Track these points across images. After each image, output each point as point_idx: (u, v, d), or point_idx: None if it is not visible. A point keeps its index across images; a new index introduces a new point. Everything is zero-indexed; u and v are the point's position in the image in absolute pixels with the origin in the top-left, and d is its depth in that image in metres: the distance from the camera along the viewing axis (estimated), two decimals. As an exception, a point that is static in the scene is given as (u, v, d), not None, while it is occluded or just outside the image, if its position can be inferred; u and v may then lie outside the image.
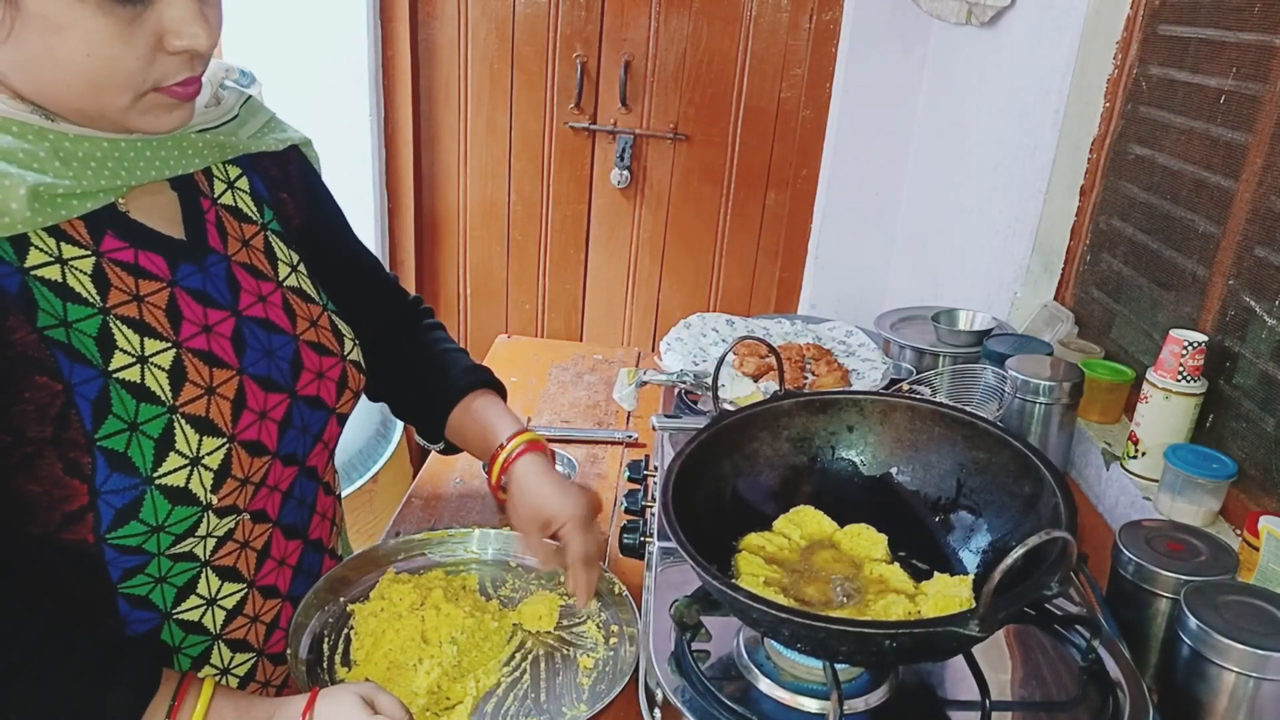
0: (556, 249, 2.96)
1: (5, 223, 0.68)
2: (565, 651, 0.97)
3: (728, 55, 2.71)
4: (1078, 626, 0.85)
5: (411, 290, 2.95)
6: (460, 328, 3.10)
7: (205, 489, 0.78)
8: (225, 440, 0.80)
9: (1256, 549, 0.98)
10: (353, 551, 1.09)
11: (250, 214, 0.92)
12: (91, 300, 0.74)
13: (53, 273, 0.72)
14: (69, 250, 0.74)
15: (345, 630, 0.96)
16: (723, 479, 0.93)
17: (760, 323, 1.67)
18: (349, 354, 0.96)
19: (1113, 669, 0.84)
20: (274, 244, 0.93)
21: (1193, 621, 0.84)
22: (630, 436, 1.53)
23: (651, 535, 1.04)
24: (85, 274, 0.74)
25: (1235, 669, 0.82)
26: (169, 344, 0.78)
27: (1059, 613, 0.88)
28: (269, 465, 0.86)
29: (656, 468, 1.20)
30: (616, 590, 1.03)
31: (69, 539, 0.73)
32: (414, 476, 1.55)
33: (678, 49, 2.71)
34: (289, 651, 0.90)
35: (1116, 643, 0.87)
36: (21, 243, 0.71)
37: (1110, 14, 1.58)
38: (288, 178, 0.97)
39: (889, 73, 2.57)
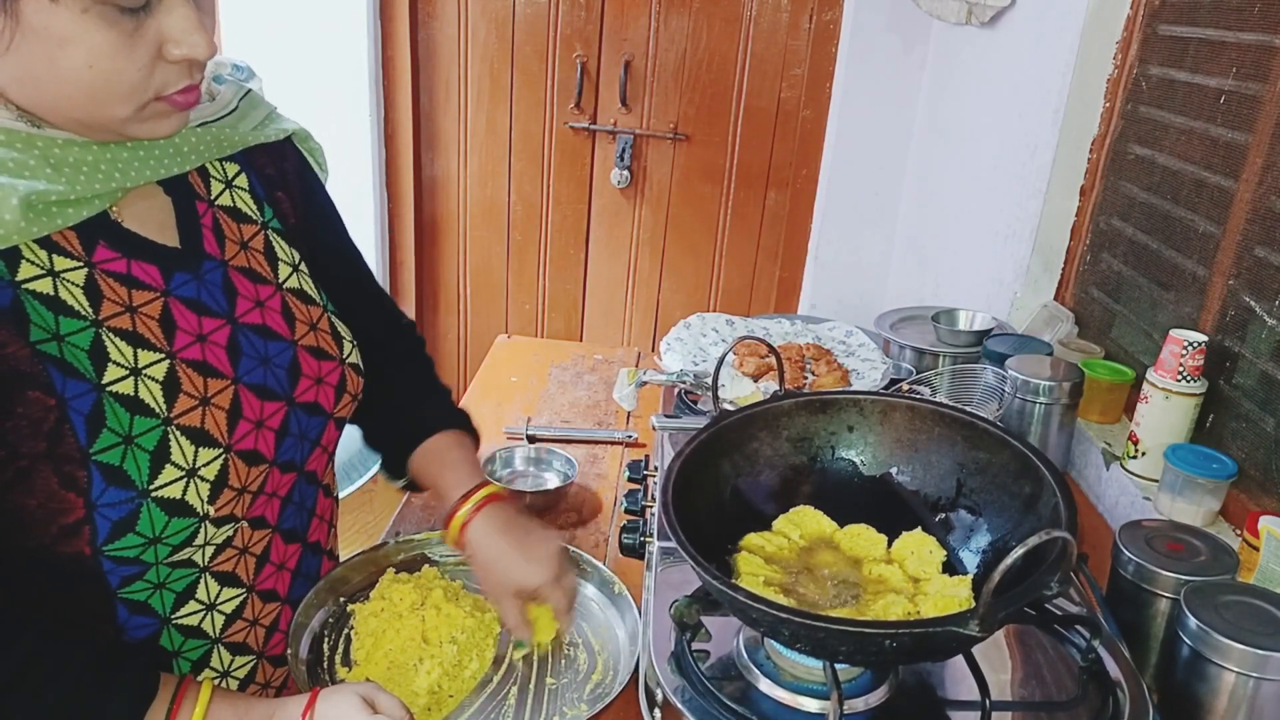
0: (556, 249, 2.96)
1: None
2: (565, 652, 0.97)
3: (728, 55, 2.71)
4: (1078, 626, 0.85)
5: (412, 290, 2.98)
6: (460, 328, 3.10)
7: (202, 500, 0.78)
8: (222, 451, 0.79)
9: (1256, 549, 0.98)
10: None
11: (250, 213, 0.90)
12: (84, 313, 0.73)
13: (44, 286, 0.71)
14: (60, 262, 0.73)
15: (345, 630, 0.96)
16: (723, 479, 0.93)
17: (760, 323, 1.67)
18: (348, 357, 0.94)
19: (1113, 669, 0.84)
20: (275, 243, 0.91)
21: (1193, 621, 0.84)
22: (630, 436, 1.53)
23: (651, 535, 1.04)
24: (77, 286, 0.73)
25: (1235, 669, 0.82)
26: (163, 355, 0.77)
27: (1059, 613, 0.88)
28: (266, 473, 0.85)
29: (656, 468, 1.20)
30: (616, 590, 1.03)
31: (65, 551, 0.73)
32: (414, 476, 1.55)
33: (678, 49, 2.71)
34: (289, 651, 0.90)
35: (1116, 643, 0.87)
36: (12, 256, 0.70)
37: (1110, 14, 1.58)
38: (284, 175, 0.95)
39: (889, 73, 2.57)
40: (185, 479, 0.76)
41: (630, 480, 1.20)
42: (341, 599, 1.00)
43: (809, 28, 2.66)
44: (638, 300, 3.01)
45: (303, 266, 0.94)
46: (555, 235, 2.95)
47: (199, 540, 0.79)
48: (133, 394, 0.74)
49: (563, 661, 0.96)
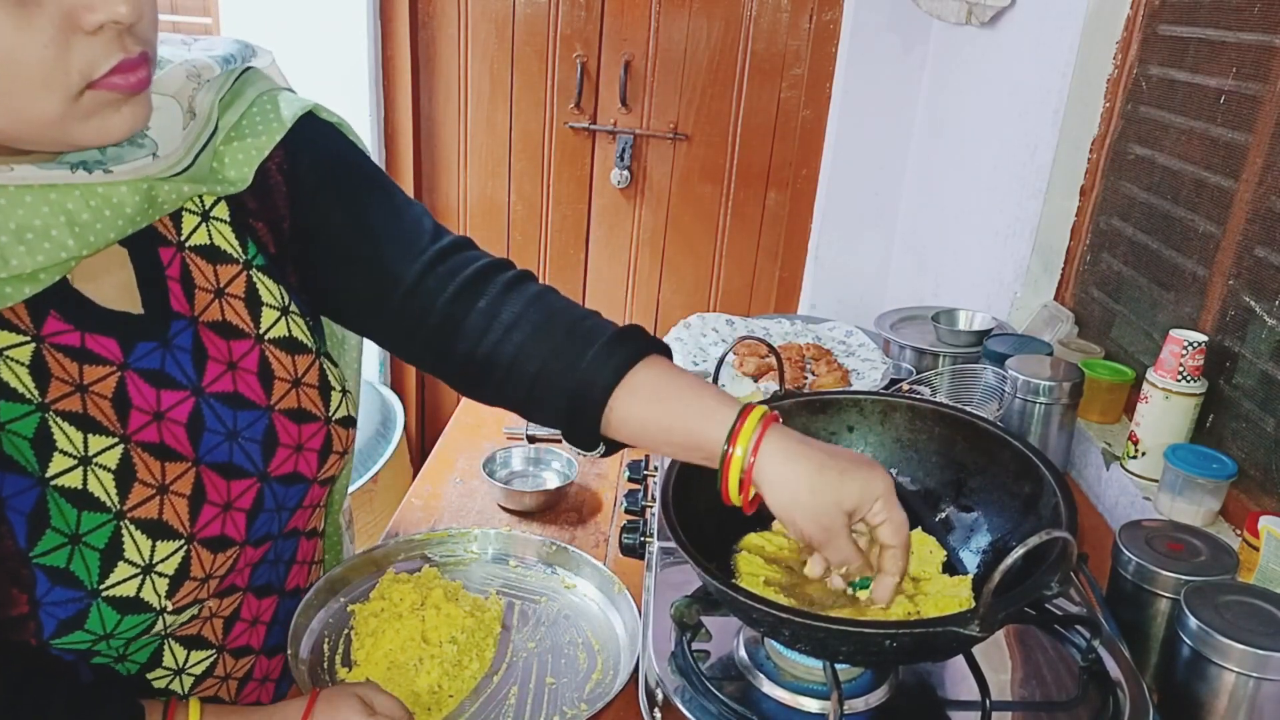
0: (556, 249, 2.96)
1: None
2: (565, 651, 0.97)
3: (728, 55, 2.71)
4: (1078, 626, 0.85)
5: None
6: (460, 328, 3.10)
7: (159, 595, 0.70)
8: (183, 542, 0.71)
9: (1256, 549, 0.98)
10: (350, 550, 1.08)
11: (231, 251, 0.78)
12: (28, 396, 0.65)
13: None
14: (4, 338, 0.64)
15: (345, 630, 0.96)
16: (723, 479, 0.93)
17: (760, 323, 1.67)
18: (335, 414, 0.84)
19: (1113, 669, 0.84)
20: (259, 284, 0.80)
21: (1193, 621, 0.84)
22: (630, 436, 1.52)
23: (651, 535, 1.04)
24: (22, 365, 0.64)
25: (1235, 669, 0.82)
26: (116, 439, 0.69)
27: (1059, 613, 0.88)
28: (237, 554, 0.77)
29: (656, 468, 1.20)
30: (616, 590, 1.03)
31: (13, 638, 0.66)
32: (414, 476, 1.55)
33: (678, 49, 2.71)
34: (289, 652, 0.90)
35: (1116, 643, 0.87)
36: None
37: (1110, 14, 1.58)
38: (268, 191, 0.80)
39: (889, 73, 2.57)
40: (141, 576, 0.69)
41: (630, 480, 1.20)
42: (341, 599, 1.00)
43: (809, 28, 2.66)
44: (638, 300, 3.01)
45: (293, 307, 0.82)
46: (555, 235, 2.95)
47: (156, 629, 0.72)
48: (80, 487, 0.66)
49: (563, 661, 0.96)
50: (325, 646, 0.94)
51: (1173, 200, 1.41)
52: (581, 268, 2.98)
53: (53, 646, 0.67)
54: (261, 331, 0.80)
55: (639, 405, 0.76)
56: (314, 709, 0.76)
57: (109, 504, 0.68)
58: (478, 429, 1.54)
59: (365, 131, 2.74)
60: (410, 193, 2.85)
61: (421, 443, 3.09)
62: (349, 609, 0.98)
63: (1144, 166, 1.50)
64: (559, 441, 1.48)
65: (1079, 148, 1.66)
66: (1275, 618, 0.84)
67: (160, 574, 0.70)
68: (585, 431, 0.78)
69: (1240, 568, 0.96)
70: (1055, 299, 1.72)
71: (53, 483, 0.65)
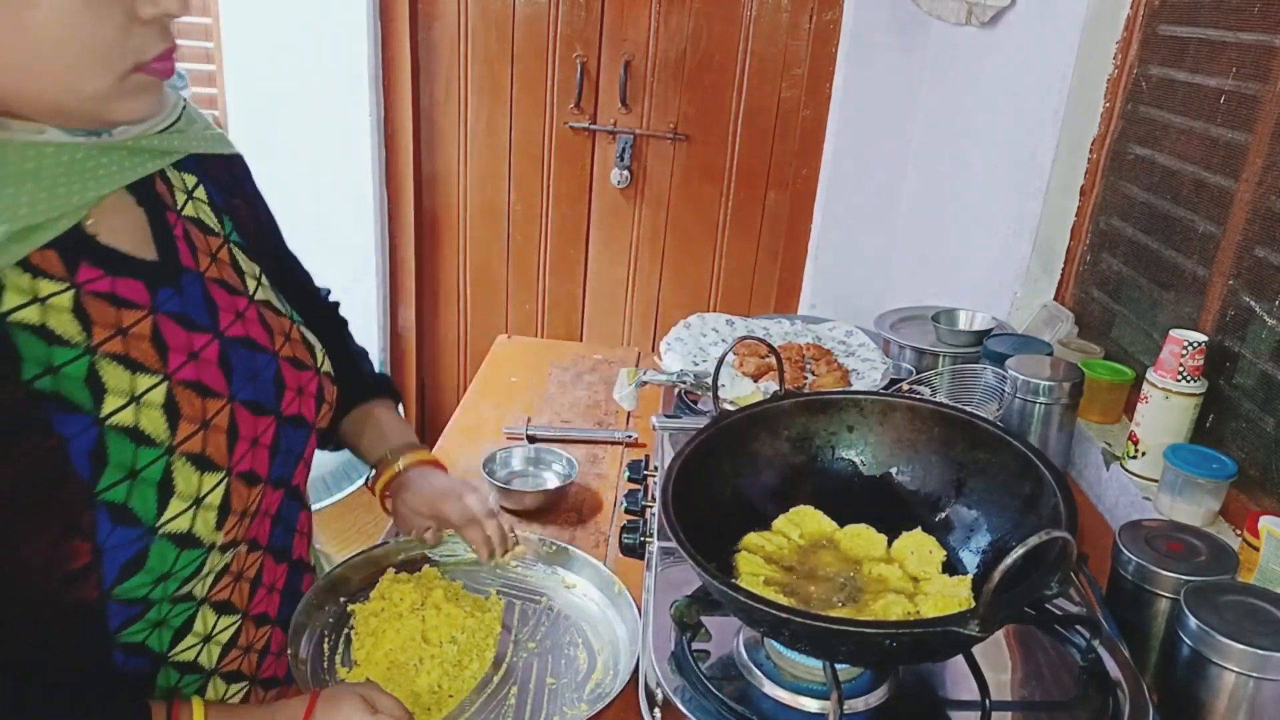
0: (556, 249, 2.96)
1: None
2: (565, 651, 0.97)
3: (728, 55, 2.71)
4: (1078, 626, 0.85)
5: (412, 290, 2.98)
6: (460, 328, 3.10)
7: (210, 529, 0.75)
8: (224, 475, 0.77)
9: (1256, 549, 0.98)
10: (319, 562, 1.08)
11: (212, 226, 0.87)
12: (75, 340, 0.69)
13: (32, 315, 0.67)
14: (45, 286, 0.68)
15: (345, 630, 0.96)
16: (722, 479, 0.93)
17: (760, 323, 1.67)
18: (321, 366, 0.92)
19: (1113, 669, 0.84)
20: (237, 256, 0.88)
21: (1193, 621, 0.84)
22: (630, 436, 1.53)
23: (651, 535, 1.04)
24: (66, 310, 0.69)
25: (1235, 669, 0.82)
26: (160, 377, 0.74)
27: (1059, 613, 0.88)
28: (262, 493, 0.83)
29: (656, 468, 1.20)
30: (616, 589, 1.03)
31: (71, 597, 0.69)
32: (414, 476, 1.55)
33: (678, 49, 2.71)
34: (289, 652, 0.90)
35: (1116, 643, 0.87)
36: None
37: (1110, 14, 1.58)
38: (237, 182, 0.92)
39: (889, 73, 2.57)
40: (192, 509, 0.74)
41: (630, 480, 1.20)
42: (341, 599, 1.00)
43: (809, 28, 2.66)
44: (638, 300, 3.01)
45: (264, 279, 0.91)
46: (555, 235, 2.95)
47: (205, 570, 0.78)
48: (134, 424, 0.71)
49: (563, 661, 0.96)
50: (325, 646, 0.95)
51: (1173, 200, 1.41)
52: (581, 268, 2.98)
53: (113, 598, 0.71)
54: (251, 293, 0.88)
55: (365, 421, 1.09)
56: (315, 708, 0.76)
57: (160, 440, 0.72)
58: (477, 429, 1.54)
59: (365, 131, 2.75)
60: (410, 193, 2.87)
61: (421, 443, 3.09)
62: (349, 609, 0.98)
63: (1144, 166, 1.50)
64: (559, 441, 1.48)
65: (1079, 148, 1.66)
66: (1275, 618, 0.84)
67: (208, 507, 0.75)
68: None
69: (1240, 568, 0.96)
70: (1055, 299, 1.72)
71: (108, 421, 0.69)
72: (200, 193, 0.87)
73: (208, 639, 0.82)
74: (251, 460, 0.81)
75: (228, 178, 0.91)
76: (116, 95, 0.67)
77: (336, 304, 1.12)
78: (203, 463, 0.75)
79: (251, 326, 0.85)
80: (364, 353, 1.12)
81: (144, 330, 0.74)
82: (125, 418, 0.71)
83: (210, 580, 0.80)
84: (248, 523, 0.82)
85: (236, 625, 0.85)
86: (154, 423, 0.72)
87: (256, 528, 0.85)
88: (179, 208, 0.84)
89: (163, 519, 0.71)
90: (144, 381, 0.73)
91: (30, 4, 0.61)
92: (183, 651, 0.81)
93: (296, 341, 0.90)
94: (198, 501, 0.74)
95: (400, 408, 1.16)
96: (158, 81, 0.70)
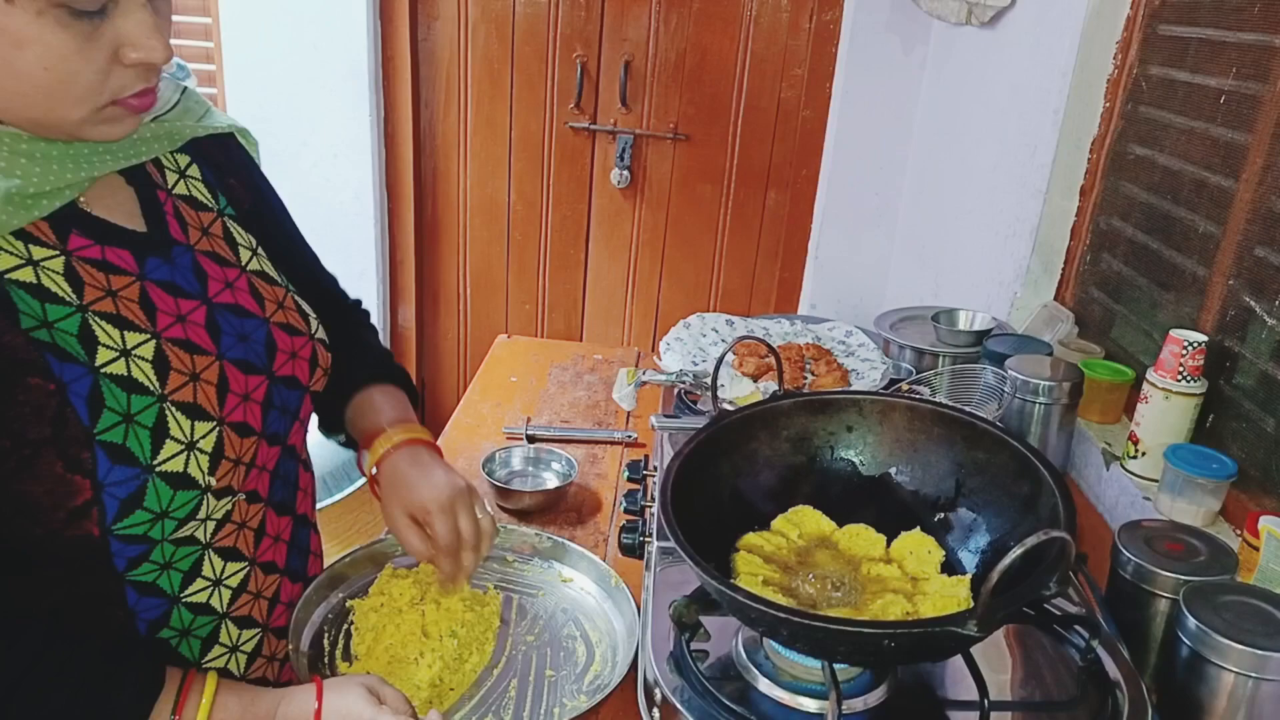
0: (556, 249, 2.96)
1: None
2: (564, 644, 0.97)
3: (728, 55, 2.71)
4: (1077, 626, 0.85)
5: (412, 290, 2.98)
6: (460, 328, 3.10)
7: (203, 471, 0.80)
8: (215, 423, 0.81)
9: (1256, 549, 0.98)
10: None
11: (206, 201, 0.92)
12: (68, 299, 0.74)
13: (26, 275, 0.72)
14: (38, 251, 0.74)
15: (345, 626, 0.96)
16: (722, 479, 0.93)
17: (760, 323, 1.67)
18: (315, 333, 0.96)
19: (1112, 669, 0.84)
20: (232, 229, 0.93)
21: (1192, 621, 0.84)
22: (630, 436, 1.53)
23: (651, 535, 1.04)
24: (58, 273, 0.75)
25: (1235, 669, 0.82)
26: (148, 335, 0.79)
27: (1058, 613, 0.88)
28: (256, 445, 0.87)
29: (656, 468, 1.20)
30: (613, 583, 1.03)
31: (74, 535, 0.74)
32: (413, 476, 1.55)
33: (678, 49, 2.71)
34: (290, 647, 0.90)
35: (1116, 643, 0.87)
36: None
37: (1110, 14, 1.58)
38: (233, 164, 0.97)
39: (889, 73, 2.57)
40: (185, 452, 0.78)
41: (630, 480, 1.20)
42: (341, 595, 1.00)
43: (809, 28, 2.66)
44: (638, 300, 3.01)
45: (260, 250, 0.95)
46: (555, 235, 2.95)
47: (201, 514, 0.81)
48: (126, 374, 0.76)
49: (562, 654, 0.97)
50: (325, 642, 0.95)
51: (1173, 200, 1.41)
52: (581, 268, 2.98)
53: (114, 535, 0.75)
54: (244, 264, 0.92)
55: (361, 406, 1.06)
56: (323, 697, 0.77)
57: (151, 388, 0.77)
58: (477, 429, 1.54)
59: (365, 131, 2.75)
60: (410, 193, 2.87)
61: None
62: (348, 605, 0.98)
63: (1144, 166, 1.50)
64: (559, 441, 1.48)
65: (1079, 148, 1.65)
66: (1275, 618, 0.84)
67: (201, 450, 0.79)
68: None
69: (1240, 568, 0.96)
70: (1055, 299, 1.72)
71: (102, 371, 0.74)
72: (194, 171, 0.92)
73: (218, 583, 0.86)
74: (244, 413, 0.85)
75: (222, 158, 0.95)
76: (92, 123, 0.72)
77: (363, 310, 1.14)
78: (194, 411, 0.80)
79: (241, 295, 0.89)
80: (380, 348, 1.13)
81: (132, 294, 0.80)
82: (118, 368, 0.76)
83: (212, 527, 0.84)
84: (243, 472, 0.86)
85: (245, 570, 0.89)
86: (144, 374, 0.77)
87: (255, 480, 0.88)
88: (170, 186, 0.88)
89: (158, 459, 0.76)
90: (134, 338, 0.78)
91: (19, 44, 0.66)
92: (195, 593, 0.84)
93: (290, 309, 0.94)
94: (191, 445, 0.79)
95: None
96: (129, 113, 0.75)
